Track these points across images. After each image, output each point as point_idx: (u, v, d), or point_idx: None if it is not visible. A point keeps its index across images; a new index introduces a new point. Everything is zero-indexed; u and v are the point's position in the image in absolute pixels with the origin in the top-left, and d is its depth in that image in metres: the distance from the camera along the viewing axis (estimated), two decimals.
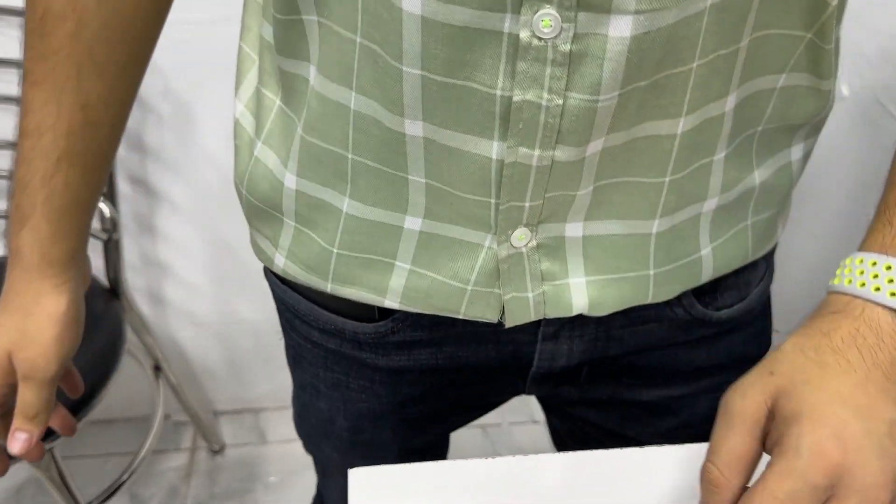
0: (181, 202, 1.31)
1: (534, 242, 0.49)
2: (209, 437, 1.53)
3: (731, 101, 0.46)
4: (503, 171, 0.44)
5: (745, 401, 0.40)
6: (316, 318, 0.60)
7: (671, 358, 0.61)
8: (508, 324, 0.53)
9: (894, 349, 0.40)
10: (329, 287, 0.55)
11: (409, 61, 0.41)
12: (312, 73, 0.47)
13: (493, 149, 0.44)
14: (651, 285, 0.53)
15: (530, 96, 0.41)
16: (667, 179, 0.47)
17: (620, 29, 0.38)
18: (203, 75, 1.16)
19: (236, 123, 0.56)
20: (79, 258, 0.56)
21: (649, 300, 0.53)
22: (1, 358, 0.53)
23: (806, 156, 0.55)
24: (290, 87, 0.50)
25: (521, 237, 0.48)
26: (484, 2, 0.38)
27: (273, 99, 0.53)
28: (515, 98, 0.41)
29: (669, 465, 0.57)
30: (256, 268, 1.51)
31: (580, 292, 0.52)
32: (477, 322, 0.54)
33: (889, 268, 0.41)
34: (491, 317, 0.53)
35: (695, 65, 0.42)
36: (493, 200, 0.47)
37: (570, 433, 0.73)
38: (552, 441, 0.79)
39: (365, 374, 0.62)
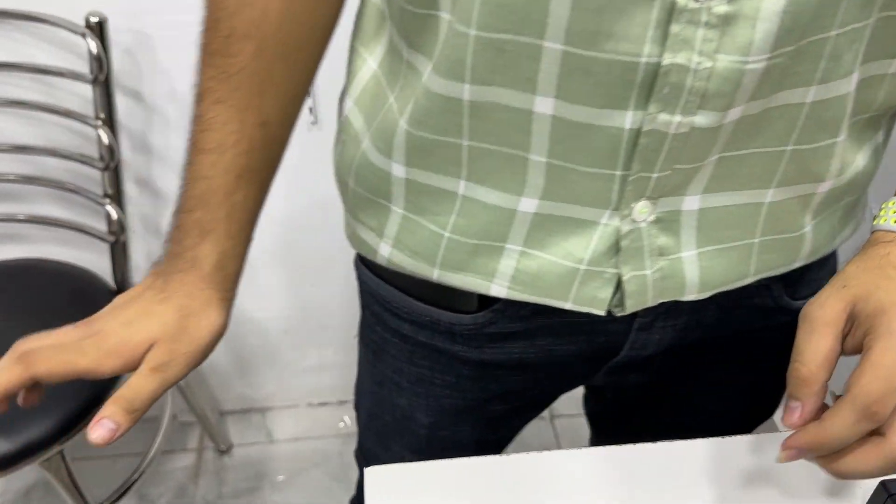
0: None
1: (653, 216, 0.50)
2: (216, 437, 1.54)
3: (854, 80, 0.46)
4: (638, 140, 0.45)
5: (824, 309, 0.46)
6: (410, 310, 0.60)
7: (745, 346, 0.64)
8: (629, 309, 0.53)
9: None
10: (436, 274, 0.55)
11: (552, 37, 0.42)
12: (427, 69, 0.48)
13: (627, 119, 0.44)
14: (754, 254, 0.54)
15: (680, 59, 0.41)
16: (789, 148, 0.48)
17: None
18: None
19: (345, 120, 0.57)
20: (240, 279, 0.56)
21: (750, 275, 0.55)
22: (141, 343, 0.50)
23: (885, 140, 0.57)
24: (406, 81, 0.51)
25: (642, 210, 0.49)
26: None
27: (385, 94, 0.53)
28: (664, 62, 0.41)
29: (683, 460, 0.57)
30: (262, 267, 1.51)
31: (692, 265, 0.52)
32: (574, 314, 0.54)
33: None
34: (600, 303, 0.53)
35: (833, 33, 0.42)
36: (618, 173, 0.47)
37: (614, 405, 0.75)
38: (586, 413, 0.82)
39: (452, 369, 0.63)
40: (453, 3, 0.44)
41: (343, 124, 0.58)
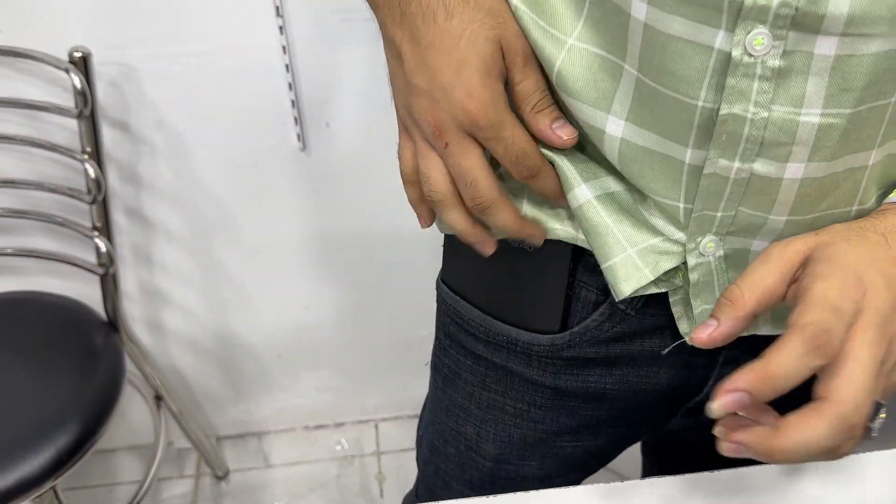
0: (177, 231, 1.32)
1: (720, 252, 0.50)
2: (213, 463, 1.53)
3: None
4: (700, 181, 0.46)
5: (786, 246, 0.43)
6: (487, 329, 0.59)
7: None
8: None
9: None
10: None
11: (630, 62, 0.45)
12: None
13: (687, 155, 0.45)
14: None
15: (737, 110, 0.42)
16: (854, 209, 0.48)
17: (825, 48, 0.40)
18: (194, 106, 1.16)
19: None
20: None
21: None
22: (494, 45, 0.47)
23: None
24: None
25: (709, 245, 0.49)
26: (700, 16, 0.40)
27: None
28: (722, 111, 0.43)
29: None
30: (254, 292, 1.51)
31: None
32: (654, 343, 0.55)
33: None
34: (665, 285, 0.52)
35: (894, 99, 0.42)
36: (681, 205, 0.48)
37: (680, 445, 0.71)
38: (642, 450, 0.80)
39: (525, 396, 0.61)
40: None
41: None
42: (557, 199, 0.51)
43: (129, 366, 1.21)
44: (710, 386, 0.58)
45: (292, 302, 1.45)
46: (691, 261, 0.50)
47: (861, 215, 0.48)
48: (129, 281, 1.36)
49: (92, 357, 1.14)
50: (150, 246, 1.33)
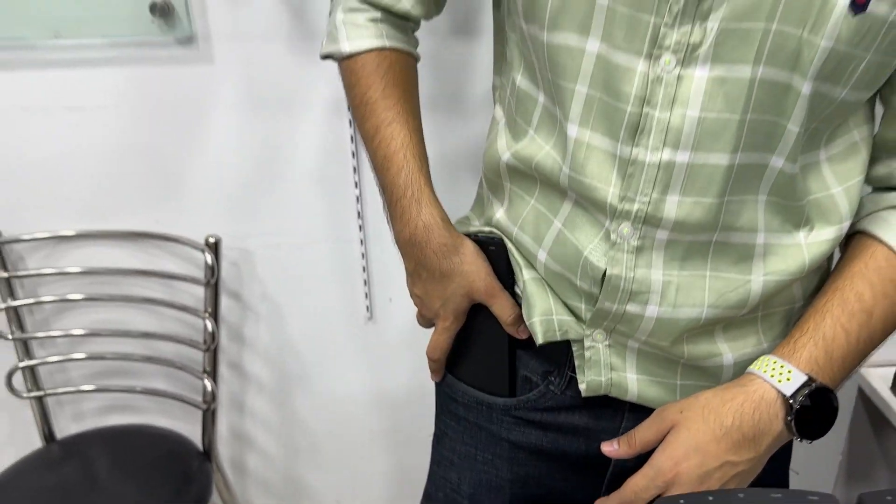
0: (266, 383, 1.56)
1: (607, 342, 0.72)
2: None
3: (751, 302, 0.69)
4: (594, 307, 0.69)
5: (664, 417, 0.66)
6: (464, 392, 0.82)
7: None
8: (587, 392, 0.73)
9: (761, 415, 0.63)
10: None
11: (557, 216, 0.72)
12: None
13: (583, 298, 0.70)
14: (678, 393, 0.72)
15: (615, 271, 0.66)
16: (685, 349, 0.70)
17: (662, 236, 0.65)
18: (292, 283, 1.45)
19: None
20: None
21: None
22: (465, 297, 0.77)
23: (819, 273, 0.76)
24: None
25: (599, 336, 0.72)
26: (598, 211, 0.66)
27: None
28: (607, 272, 0.66)
29: None
30: (323, 441, 1.72)
31: (633, 384, 0.73)
32: (573, 418, 0.76)
33: (783, 367, 0.65)
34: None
35: (707, 273, 0.67)
36: (584, 310, 0.71)
37: None
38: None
39: (490, 448, 0.81)
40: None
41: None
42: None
43: (214, 496, 1.41)
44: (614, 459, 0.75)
45: (354, 452, 1.64)
46: (587, 343, 0.72)
47: (702, 347, 0.70)
48: (222, 423, 1.59)
49: (186, 478, 1.35)
50: (243, 395, 1.57)
